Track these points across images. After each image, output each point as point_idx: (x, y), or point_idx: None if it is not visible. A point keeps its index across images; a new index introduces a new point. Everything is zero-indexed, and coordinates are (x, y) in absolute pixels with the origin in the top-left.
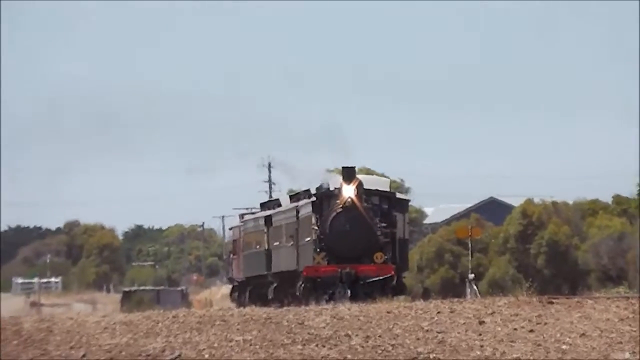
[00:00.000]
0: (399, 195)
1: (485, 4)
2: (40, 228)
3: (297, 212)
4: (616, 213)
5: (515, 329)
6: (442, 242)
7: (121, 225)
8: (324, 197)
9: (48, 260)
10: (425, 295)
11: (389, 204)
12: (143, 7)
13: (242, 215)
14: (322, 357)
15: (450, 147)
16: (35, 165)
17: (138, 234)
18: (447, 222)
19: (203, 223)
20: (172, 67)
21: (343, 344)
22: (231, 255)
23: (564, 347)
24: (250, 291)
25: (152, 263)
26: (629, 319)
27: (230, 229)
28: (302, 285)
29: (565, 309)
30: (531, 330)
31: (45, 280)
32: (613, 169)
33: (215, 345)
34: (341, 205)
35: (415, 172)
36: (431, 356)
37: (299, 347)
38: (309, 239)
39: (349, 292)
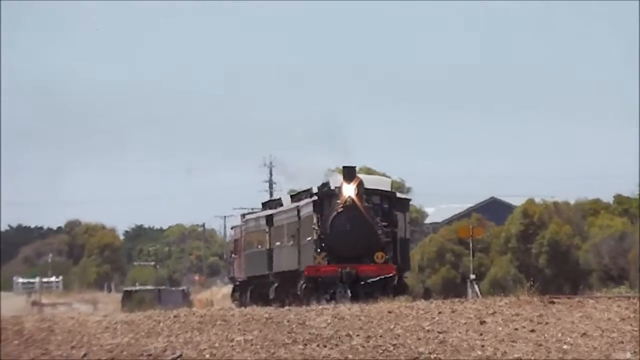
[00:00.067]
0: (399, 194)
1: (485, 4)
2: (41, 227)
3: (299, 211)
4: (617, 213)
5: (517, 329)
6: (444, 241)
7: (122, 225)
8: (325, 197)
9: (49, 260)
10: (427, 295)
11: (389, 204)
12: (143, 7)
13: (243, 215)
14: (323, 357)
15: (450, 147)
16: (36, 165)
17: (139, 233)
18: (449, 221)
19: (204, 223)
20: (172, 67)
21: (344, 344)
22: (232, 255)
23: (565, 347)
24: (251, 291)
25: (153, 263)
26: (630, 319)
27: (232, 228)
28: (304, 285)
29: (567, 308)
30: (532, 330)
31: (46, 279)
32: (613, 169)
33: (217, 345)
34: (342, 205)
35: (415, 172)
36: (432, 356)
37: (300, 347)
38: (310, 238)
39: (349, 292)
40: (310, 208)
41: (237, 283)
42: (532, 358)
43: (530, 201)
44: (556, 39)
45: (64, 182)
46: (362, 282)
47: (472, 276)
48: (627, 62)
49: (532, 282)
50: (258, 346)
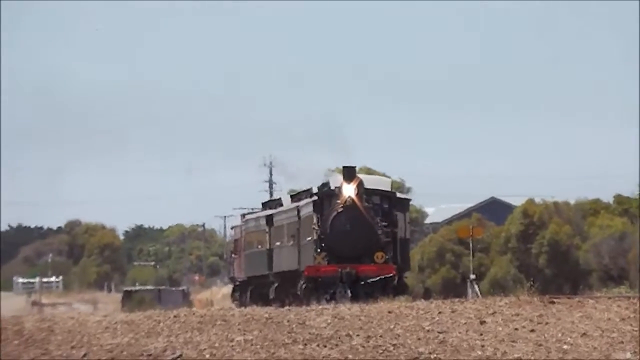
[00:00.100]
0: (399, 194)
1: (485, 4)
2: (41, 227)
3: (299, 211)
4: (617, 213)
5: (517, 329)
6: (444, 241)
7: (122, 225)
8: (325, 197)
9: (49, 260)
10: (427, 295)
11: (389, 204)
12: (143, 7)
13: (243, 215)
14: (323, 357)
15: (450, 147)
16: (36, 165)
17: (139, 233)
18: (449, 221)
19: (204, 223)
20: (172, 67)
21: (344, 343)
22: (232, 255)
23: (565, 347)
24: (251, 291)
25: (153, 263)
26: (630, 319)
27: (232, 228)
28: (304, 285)
29: (567, 308)
30: (532, 330)
31: (46, 279)
32: (613, 169)
33: (217, 345)
34: (342, 205)
35: (415, 172)
36: (432, 356)
37: (300, 347)
38: (310, 238)
39: (349, 292)
40: (310, 208)
41: (237, 283)
42: (532, 358)
43: (530, 201)
44: (556, 39)
45: (64, 182)
46: (362, 282)
47: (472, 276)
48: (627, 62)
49: (532, 282)
50: (258, 346)
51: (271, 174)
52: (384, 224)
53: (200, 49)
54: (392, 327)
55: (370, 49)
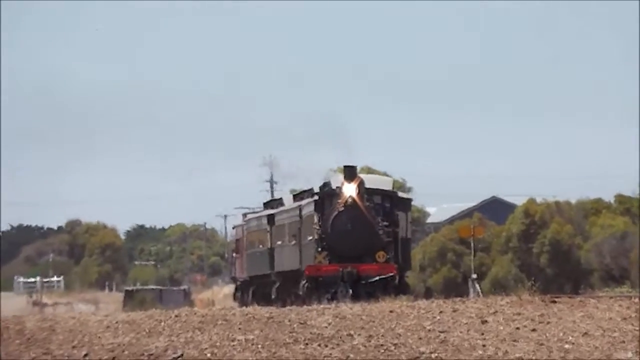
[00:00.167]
0: (401, 194)
1: (485, 4)
2: (42, 227)
3: (300, 211)
4: (619, 212)
5: (518, 328)
6: (445, 241)
7: (123, 225)
8: (326, 196)
9: (50, 260)
10: (428, 294)
11: (391, 203)
12: (143, 7)
13: (245, 215)
14: (324, 357)
15: (450, 147)
16: (36, 165)
17: (140, 233)
18: (450, 221)
19: (205, 223)
20: (172, 67)
21: (345, 343)
22: (234, 255)
23: (566, 346)
24: (253, 290)
25: (154, 262)
26: (631, 318)
27: (233, 228)
28: (305, 284)
29: (568, 308)
30: (534, 330)
31: (47, 279)
32: (614, 169)
33: (218, 344)
34: (343, 204)
35: (416, 172)
36: (433, 356)
37: (302, 346)
38: (311, 238)
39: (350, 291)
40: (311, 207)
41: (239, 283)
42: (534, 357)
43: (532, 201)
44: (556, 39)
45: (65, 182)
46: (363, 282)
47: (474, 275)
48: (627, 62)
49: (533, 282)
50: (259, 346)
51: (272, 174)
52: (385, 223)
53: (200, 49)
54: (393, 326)
55: (370, 49)
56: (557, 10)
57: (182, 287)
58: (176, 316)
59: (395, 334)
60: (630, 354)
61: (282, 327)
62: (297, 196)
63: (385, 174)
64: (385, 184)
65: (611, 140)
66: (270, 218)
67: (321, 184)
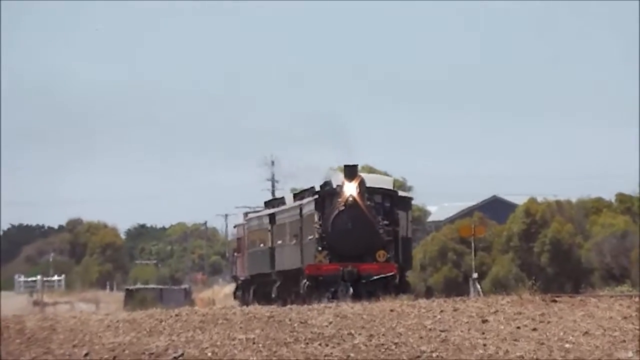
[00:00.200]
0: (401, 193)
1: (485, 4)
2: (43, 226)
3: (301, 210)
4: (620, 211)
5: (519, 328)
6: (446, 240)
7: (124, 224)
8: (327, 195)
9: (51, 259)
10: (429, 293)
11: (391, 202)
12: (143, 7)
13: (246, 214)
14: (325, 356)
15: (450, 147)
16: (36, 165)
17: (141, 232)
18: (451, 220)
19: (206, 222)
20: (172, 67)
21: (346, 342)
22: (235, 254)
23: (567, 345)
24: (254, 290)
25: (155, 262)
26: (632, 318)
27: (235, 227)
28: (306, 283)
29: (569, 307)
30: (534, 329)
31: (48, 278)
32: (614, 169)
33: (218, 343)
34: (343, 204)
35: (417, 171)
36: (434, 355)
37: (302, 345)
38: (312, 237)
39: (351, 290)
40: (312, 206)
41: (240, 282)
42: (534, 357)
43: (533, 200)
44: (556, 39)
45: (65, 181)
46: (364, 281)
47: (474, 275)
48: (627, 62)
49: (534, 281)
50: (260, 345)
51: (273, 173)
52: (385, 222)
53: (200, 49)
54: (394, 325)
55: (370, 49)
56: (557, 10)
57: (182, 287)
58: (177, 315)
59: (396, 333)
60: (630, 354)
61: (282, 326)
62: (298, 195)
63: (385, 174)
64: (386, 183)
65: (611, 140)
66: (272, 217)
67: (322, 183)
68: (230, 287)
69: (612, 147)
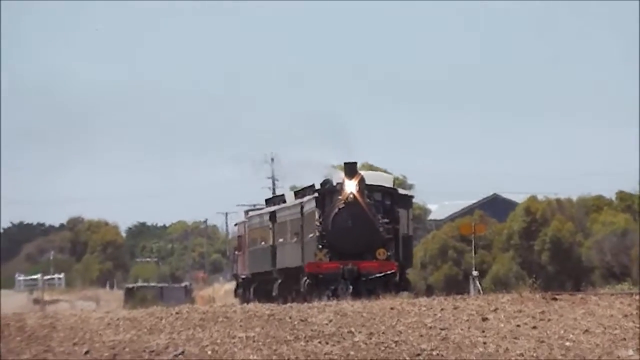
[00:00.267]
0: (401, 191)
1: (485, 4)
2: (43, 225)
3: (302, 208)
4: (620, 209)
5: (519, 326)
6: (446, 238)
7: (124, 222)
8: (327, 193)
9: (51, 257)
10: (429, 292)
11: (391, 200)
12: (143, 7)
13: (247, 212)
14: (325, 354)
15: (450, 147)
16: (36, 164)
17: (141, 230)
18: (451, 218)
19: (206, 220)
20: (172, 67)
21: (346, 340)
22: (236, 252)
23: (567, 343)
24: (255, 288)
25: (156, 260)
26: (632, 316)
27: (235, 225)
28: (307, 281)
29: (569, 305)
30: (534, 327)
31: (48, 277)
32: (614, 167)
33: (219, 341)
34: (343, 201)
35: (417, 170)
36: (434, 353)
37: (302, 343)
38: (312, 235)
39: (351, 288)
40: (312, 204)
41: (241, 280)
42: (534, 355)
43: (533, 198)
44: (556, 39)
45: (65, 180)
46: (364, 279)
47: (475, 273)
48: (627, 62)
49: (534, 279)
50: (260, 343)
51: (273, 172)
52: (385, 220)
53: (200, 49)
54: (394, 323)
55: (370, 49)
56: (557, 10)
57: (183, 284)
58: (177, 313)
59: (396, 331)
60: (631, 352)
61: (282, 325)
62: (299, 193)
63: (385, 171)
64: (386, 181)
65: (611, 140)
66: (272, 215)
67: (322, 181)
68: (231, 285)
69: (613, 146)
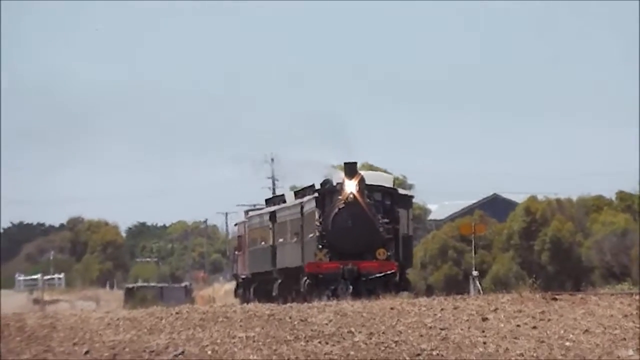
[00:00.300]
0: (401, 191)
1: (485, 4)
2: (43, 224)
3: (302, 208)
4: (620, 209)
5: (519, 326)
6: (446, 238)
7: (124, 222)
8: (327, 193)
9: (51, 257)
10: (429, 292)
11: (391, 200)
12: (143, 7)
13: (247, 212)
14: (325, 354)
15: (450, 147)
16: (36, 164)
17: (141, 230)
18: (451, 218)
19: (206, 220)
20: (172, 67)
21: (346, 340)
22: (236, 252)
23: (567, 343)
24: (255, 288)
25: (156, 260)
26: (632, 316)
27: (235, 225)
28: (307, 281)
29: (569, 305)
30: (534, 327)
31: (48, 277)
32: (614, 166)
33: (219, 341)
34: (343, 201)
35: (417, 170)
36: (434, 353)
37: (302, 343)
38: (312, 235)
39: (350, 288)
40: (312, 204)
41: (241, 280)
42: (535, 355)
43: (533, 198)
44: (556, 39)
45: (66, 180)
46: (364, 279)
47: (475, 273)
48: (627, 62)
49: (534, 279)
50: (260, 343)
51: (273, 172)
52: (385, 220)
53: (200, 49)
54: (394, 323)
55: (370, 49)
56: (557, 10)
57: (183, 284)
58: (177, 313)
59: (396, 331)
60: (631, 352)
61: (282, 325)
62: (299, 193)
63: (385, 171)
64: (386, 181)
65: (611, 140)
66: (273, 215)
67: (322, 181)
68: (231, 285)
69: (613, 146)
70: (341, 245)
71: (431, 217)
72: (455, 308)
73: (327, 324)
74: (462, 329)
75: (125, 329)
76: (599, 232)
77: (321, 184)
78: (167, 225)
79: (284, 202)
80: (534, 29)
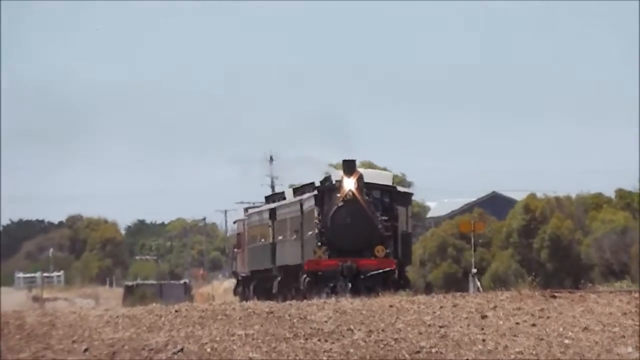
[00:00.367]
0: (400, 188)
1: (485, 4)
2: (42, 222)
3: (301, 205)
4: (620, 207)
5: (518, 323)
6: (445, 236)
7: (123, 220)
8: (326, 191)
9: (51, 255)
10: (428, 289)
11: (390, 198)
12: (143, 7)
13: (246, 209)
14: (324, 352)
15: (450, 147)
16: (36, 164)
17: (140, 228)
18: (450, 216)
19: (205, 217)
20: (172, 67)
21: (345, 338)
22: (235, 250)
23: (566, 341)
24: (254, 285)
25: (155, 257)
26: (631, 313)
27: (235, 222)
28: (306, 279)
29: (568, 303)
30: (534, 325)
31: (47, 274)
32: (613, 164)
33: (218, 339)
34: (342, 199)
35: (416, 168)
36: (434, 350)
37: (302, 341)
38: (312, 232)
39: (349, 285)
40: (312, 202)
41: (240, 277)
42: (534, 352)
43: (532, 196)
44: (556, 39)
45: (66, 178)
46: (363, 276)
47: (474, 270)
48: (627, 62)
49: (533, 277)
50: (259, 340)
51: (272, 170)
52: (384, 218)
53: (200, 49)
54: (393, 321)
55: (370, 49)
56: (557, 10)
57: (182, 281)
58: (176, 311)
59: (396, 328)
60: (630, 349)
61: (282, 322)
62: (298, 190)
63: (385, 169)
64: (385, 179)
65: (611, 140)
66: (272, 212)
67: (322, 178)
68: (230, 283)
69: (612, 146)
70: (340, 243)
71: (430, 214)
72: (454, 306)
73: (326, 322)
74: (461, 327)
75: (124, 327)
76: (598, 230)
77: (321, 182)
78: (166, 223)
79: (284, 199)
80: (534, 29)
